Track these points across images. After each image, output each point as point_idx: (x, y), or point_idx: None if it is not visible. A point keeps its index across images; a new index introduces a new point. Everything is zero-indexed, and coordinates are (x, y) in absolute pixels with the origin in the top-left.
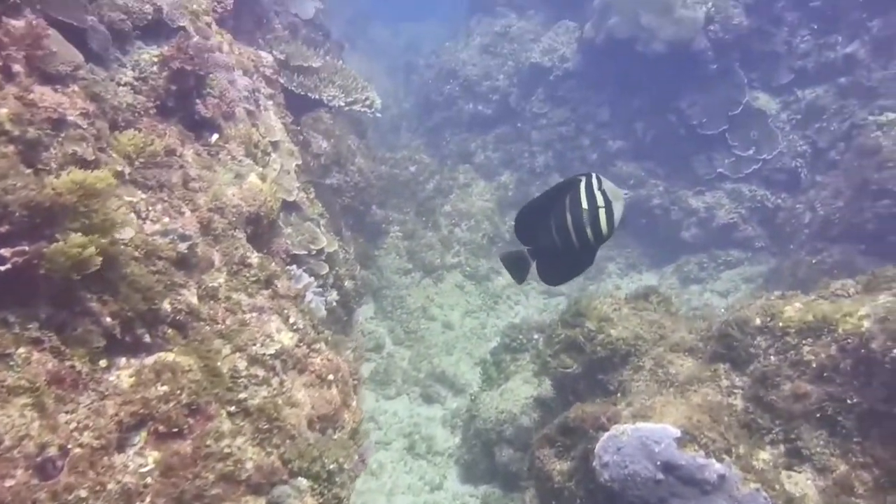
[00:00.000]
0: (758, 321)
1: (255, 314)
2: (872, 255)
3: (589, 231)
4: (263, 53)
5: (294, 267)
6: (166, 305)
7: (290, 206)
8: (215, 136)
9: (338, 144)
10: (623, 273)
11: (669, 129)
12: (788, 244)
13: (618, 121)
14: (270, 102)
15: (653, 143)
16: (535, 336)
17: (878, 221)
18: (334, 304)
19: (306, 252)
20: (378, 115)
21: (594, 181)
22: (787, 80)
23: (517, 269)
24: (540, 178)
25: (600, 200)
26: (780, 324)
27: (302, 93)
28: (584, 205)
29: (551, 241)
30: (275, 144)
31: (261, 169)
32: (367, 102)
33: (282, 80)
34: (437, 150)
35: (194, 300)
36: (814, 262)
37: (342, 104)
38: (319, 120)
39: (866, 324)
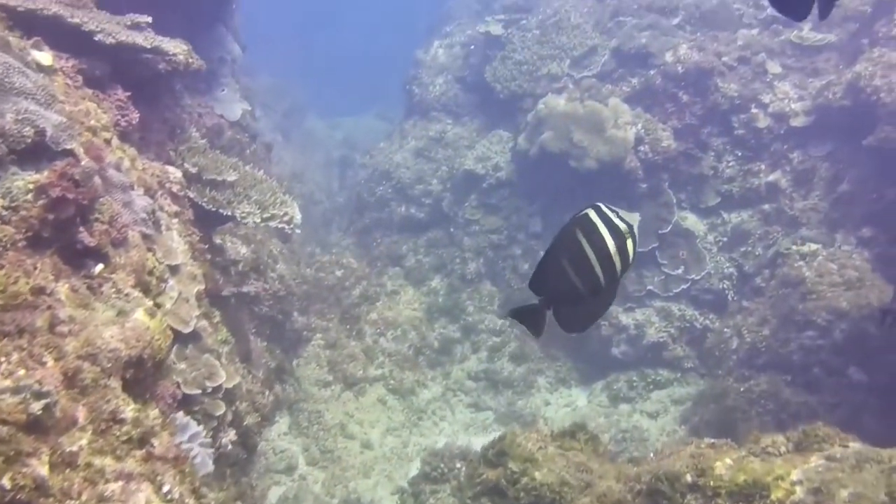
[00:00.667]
0: (688, 478)
1: (120, 483)
2: (798, 387)
3: (618, 262)
4: (171, 168)
5: (180, 414)
6: (5, 482)
7: (186, 338)
8: (99, 268)
9: (258, 250)
10: (552, 388)
11: None
12: (717, 368)
13: (550, 232)
14: (175, 221)
15: None
16: (458, 465)
17: (803, 353)
18: (230, 446)
19: (201, 391)
20: (297, 231)
21: (607, 210)
22: (714, 203)
23: (533, 322)
24: (471, 284)
25: (624, 227)
26: (712, 482)
27: (213, 209)
28: (607, 235)
29: (569, 284)
30: (174, 269)
31: (151, 302)
32: (286, 218)
33: (192, 195)
34: (367, 250)
35: (44, 471)
36: (742, 389)
37: (257, 220)
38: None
39: (799, 491)
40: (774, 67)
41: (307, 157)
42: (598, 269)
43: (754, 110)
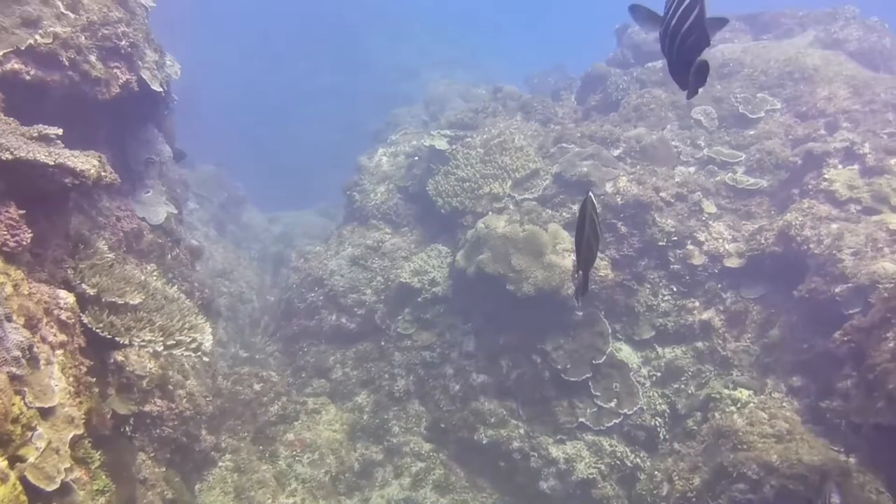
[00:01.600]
0: None
1: None
2: None
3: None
4: (62, 293)
5: None
6: None
7: (51, 495)
8: None
9: (168, 364)
10: None
11: (534, 371)
12: None
13: (483, 353)
14: (59, 352)
15: (516, 383)
16: None
17: None
18: None
19: None
20: (206, 358)
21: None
22: (648, 336)
23: (583, 288)
24: (398, 403)
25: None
26: None
27: (109, 336)
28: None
29: (592, 250)
30: (48, 412)
31: (4, 462)
32: (193, 345)
33: (85, 320)
34: (293, 359)
35: None
36: None
37: (159, 349)
38: None
39: None
40: (710, 207)
41: (241, 252)
42: (599, 233)
43: (690, 247)
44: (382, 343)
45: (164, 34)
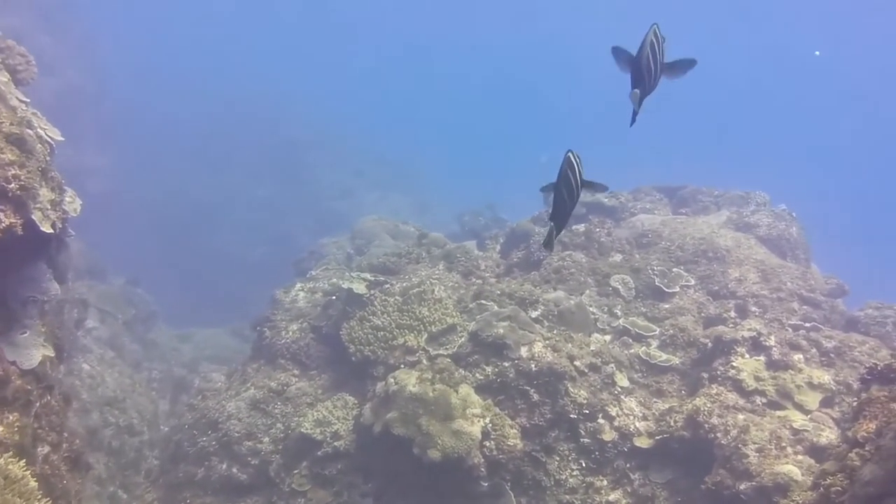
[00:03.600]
0: None
1: None
2: None
3: (580, 175)
4: None
5: None
6: None
7: None
8: None
9: None
10: None
11: None
12: None
13: None
14: None
15: None
16: None
17: None
18: None
19: None
20: None
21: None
22: None
23: (551, 240)
24: None
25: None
26: None
27: None
28: (576, 164)
29: (564, 203)
30: None
31: None
32: None
33: None
34: None
35: None
36: None
37: None
38: None
39: None
40: (623, 380)
41: (138, 376)
42: (576, 192)
43: (601, 421)
44: (274, 499)
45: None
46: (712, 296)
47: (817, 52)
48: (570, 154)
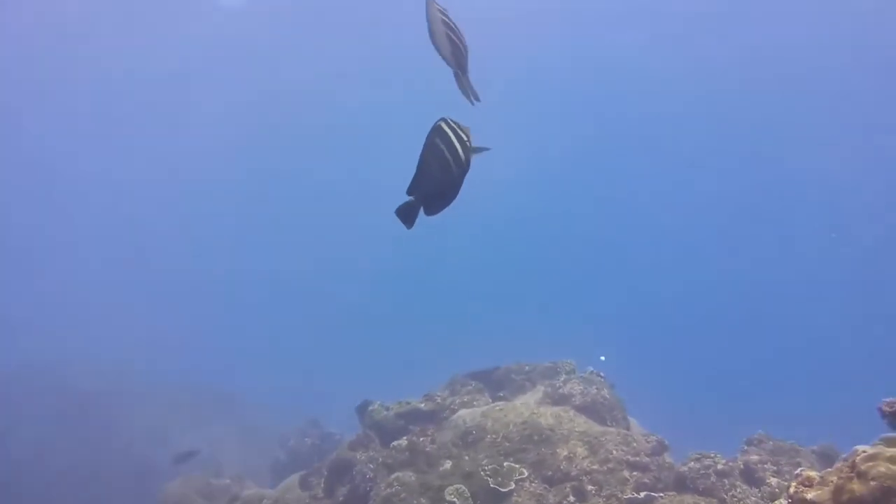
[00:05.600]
0: None
1: None
2: None
3: (460, 151)
4: None
5: None
6: None
7: None
8: None
9: None
10: None
11: None
12: None
13: None
14: None
15: None
16: None
17: None
18: None
19: None
20: None
21: (451, 122)
22: None
23: (409, 216)
24: None
25: (463, 131)
26: None
27: None
28: (456, 141)
29: (433, 180)
30: None
31: None
32: None
33: None
34: None
35: None
36: None
37: None
38: None
39: None
40: None
41: None
42: (453, 167)
43: None
44: None
45: None
46: (548, 482)
47: None
48: (441, 123)
